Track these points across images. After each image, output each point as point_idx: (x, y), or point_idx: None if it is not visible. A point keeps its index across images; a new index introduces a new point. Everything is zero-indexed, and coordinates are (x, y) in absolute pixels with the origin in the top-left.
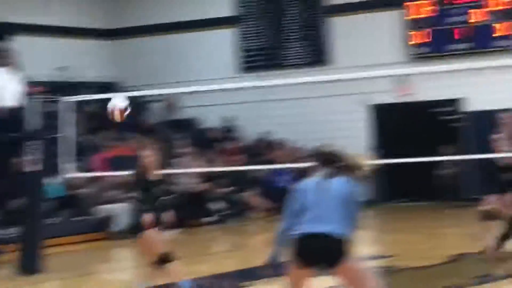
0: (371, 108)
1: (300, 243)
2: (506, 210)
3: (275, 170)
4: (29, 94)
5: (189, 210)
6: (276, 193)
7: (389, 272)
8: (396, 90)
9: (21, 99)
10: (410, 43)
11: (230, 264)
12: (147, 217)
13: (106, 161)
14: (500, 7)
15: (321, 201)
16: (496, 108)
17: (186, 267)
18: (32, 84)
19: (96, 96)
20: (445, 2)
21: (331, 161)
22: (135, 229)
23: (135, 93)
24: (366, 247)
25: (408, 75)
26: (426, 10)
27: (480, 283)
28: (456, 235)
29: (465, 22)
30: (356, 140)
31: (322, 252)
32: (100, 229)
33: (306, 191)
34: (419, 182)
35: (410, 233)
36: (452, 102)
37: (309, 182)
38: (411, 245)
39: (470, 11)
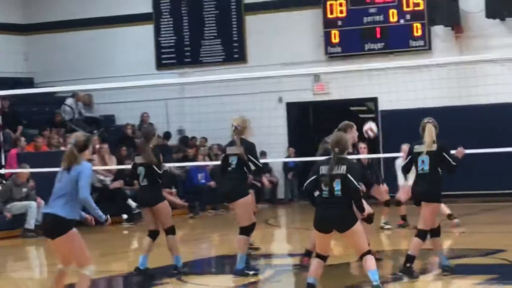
0: (289, 106)
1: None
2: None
3: (193, 168)
4: None
5: (103, 207)
6: (194, 191)
7: (299, 270)
8: (314, 88)
9: None
10: (327, 42)
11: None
12: None
13: (19, 157)
14: (415, 8)
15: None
16: (409, 107)
17: (99, 265)
18: None
19: (10, 92)
20: (362, 2)
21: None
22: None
23: (49, 89)
24: (282, 244)
25: (325, 73)
26: (343, 10)
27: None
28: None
29: (382, 22)
30: (274, 137)
31: (48, 227)
32: (13, 227)
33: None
34: None
35: None
36: (369, 100)
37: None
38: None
39: (386, 11)
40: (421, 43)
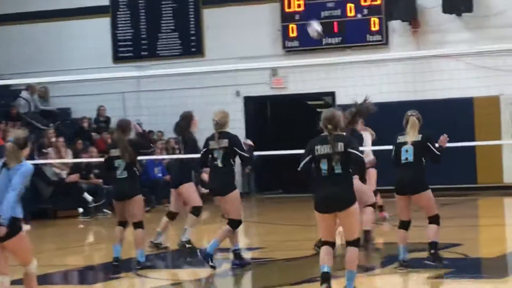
0: (247, 100)
1: None
2: None
3: (151, 161)
4: None
5: (59, 201)
6: (150, 184)
7: (261, 263)
8: (271, 82)
9: None
10: (285, 36)
11: (99, 256)
12: None
13: None
14: (373, 3)
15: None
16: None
17: (55, 259)
18: None
19: None
20: None
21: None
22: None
23: (6, 82)
24: (239, 238)
25: (283, 67)
26: (300, 4)
27: None
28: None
29: (339, 16)
30: (232, 131)
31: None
32: None
33: None
34: (294, 174)
35: (284, 224)
36: (326, 94)
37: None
38: (284, 237)
39: (344, 5)
40: (378, 37)
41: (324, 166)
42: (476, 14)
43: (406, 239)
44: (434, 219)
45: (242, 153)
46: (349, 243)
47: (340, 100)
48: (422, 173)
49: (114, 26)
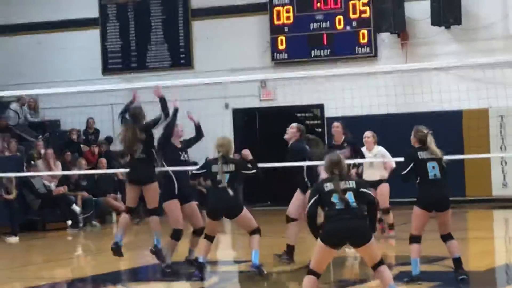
0: (236, 112)
1: None
2: None
3: None
4: None
5: (48, 213)
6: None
7: (248, 276)
8: (260, 95)
9: None
10: (274, 48)
11: (87, 269)
12: None
13: None
14: (362, 15)
15: None
16: (355, 114)
17: (43, 271)
18: None
19: None
20: (308, 8)
21: None
22: None
23: None
24: (225, 251)
25: (272, 80)
26: (289, 16)
27: (342, 286)
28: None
29: (328, 29)
30: None
31: None
32: None
33: None
34: (282, 186)
35: (272, 237)
36: (315, 107)
37: None
38: (272, 250)
39: (333, 18)
40: (367, 50)
41: (338, 200)
42: (465, 27)
43: (420, 252)
44: (451, 235)
45: (250, 172)
46: (377, 265)
47: (329, 112)
48: (448, 189)
49: (103, 38)
